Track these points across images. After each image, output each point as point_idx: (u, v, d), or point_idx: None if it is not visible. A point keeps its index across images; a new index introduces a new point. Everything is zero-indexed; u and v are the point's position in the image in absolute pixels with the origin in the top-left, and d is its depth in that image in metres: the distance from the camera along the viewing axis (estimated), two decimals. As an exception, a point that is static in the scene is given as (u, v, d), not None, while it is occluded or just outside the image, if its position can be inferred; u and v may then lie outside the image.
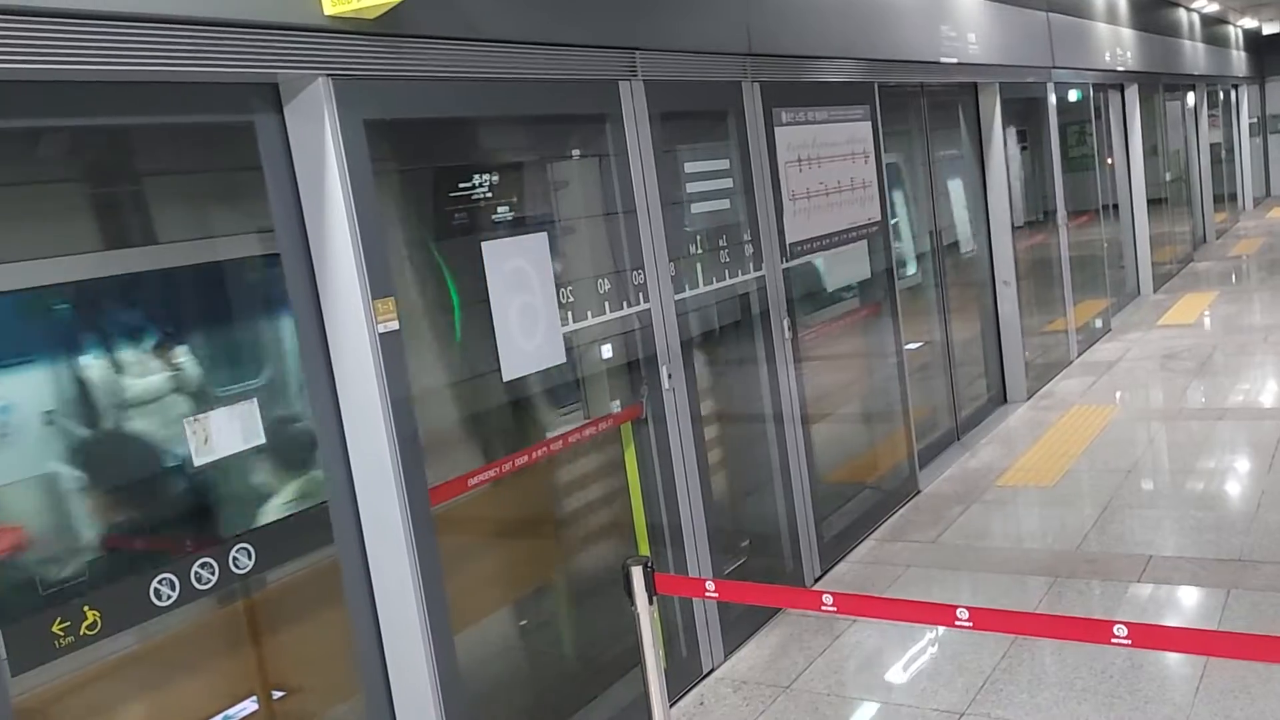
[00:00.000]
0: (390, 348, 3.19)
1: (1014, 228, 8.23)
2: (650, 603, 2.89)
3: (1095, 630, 2.21)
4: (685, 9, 4.58)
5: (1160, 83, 13.08)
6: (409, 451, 3.23)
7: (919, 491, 6.42)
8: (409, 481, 3.23)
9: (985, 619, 2.25)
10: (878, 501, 6.10)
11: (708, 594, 2.75)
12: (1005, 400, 8.28)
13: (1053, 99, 9.15)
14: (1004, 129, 8.13)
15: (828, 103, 5.67)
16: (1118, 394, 8.25)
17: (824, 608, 2.50)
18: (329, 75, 3.05)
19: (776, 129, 5.18)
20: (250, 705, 3.29)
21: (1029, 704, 3.85)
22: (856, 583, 5.20)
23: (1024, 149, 9.00)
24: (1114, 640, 2.14)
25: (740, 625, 4.71)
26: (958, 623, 2.26)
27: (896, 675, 4.27)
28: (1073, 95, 9.99)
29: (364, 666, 3.31)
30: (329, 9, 3.03)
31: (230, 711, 3.27)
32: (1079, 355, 9.49)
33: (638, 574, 2.88)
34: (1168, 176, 13.27)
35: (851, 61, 5.89)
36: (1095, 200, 10.77)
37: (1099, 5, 10.48)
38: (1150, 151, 12.54)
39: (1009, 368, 8.30)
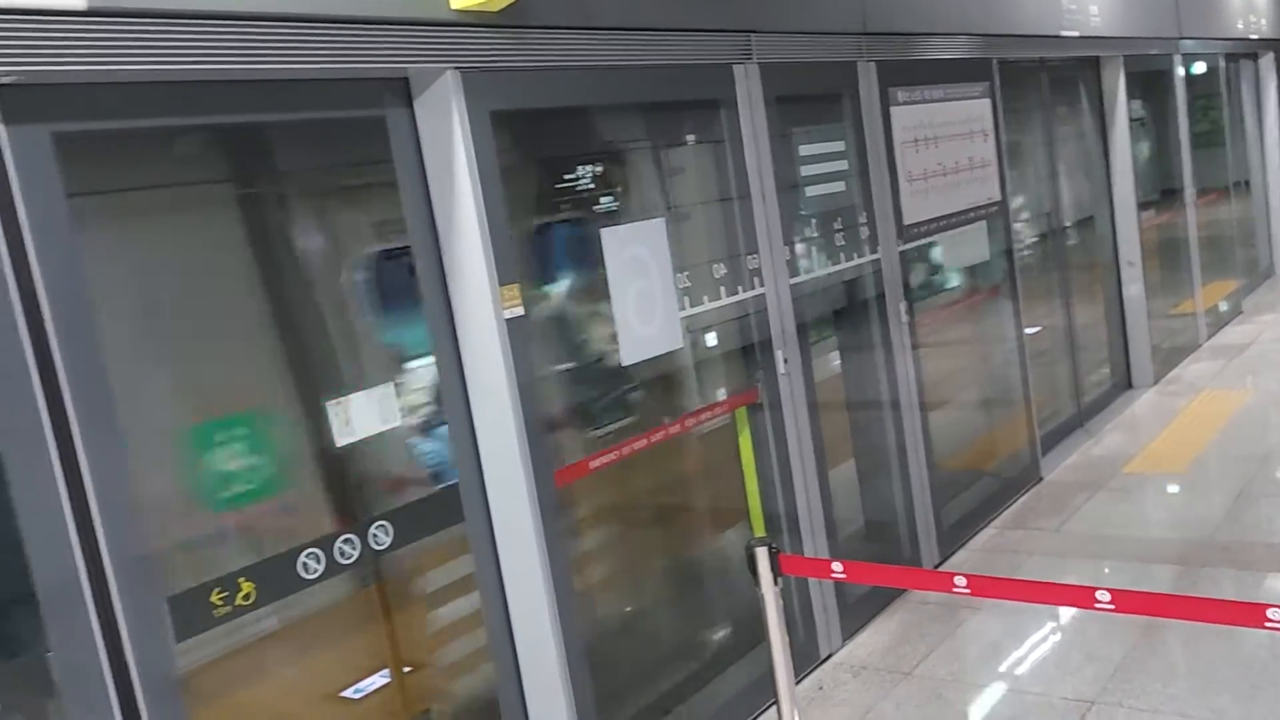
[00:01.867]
0: (516, 332, 3.27)
1: (1139, 206, 7.95)
2: (775, 583, 2.90)
3: (1247, 614, 2.13)
4: (800, -9, 4.55)
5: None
6: (535, 434, 3.31)
7: (1041, 479, 6.27)
8: (535, 463, 3.31)
9: (1128, 601, 2.20)
10: (998, 489, 5.98)
11: (834, 575, 2.74)
12: (1130, 385, 8.02)
13: (1180, 71, 8.79)
14: (1128, 104, 7.84)
15: (945, 80, 5.57)
16: (1250, 378, 7.91)
17: (955, 589, 2.48)
18: (456, 68, 3.13)
19: (892, 109, 5.11)
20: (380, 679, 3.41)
21: (1163, 694, 3.75)
22: (977, 570, 5.11)
23: (1149, 124, 8.67)
24: (1268, 624, 2.06)
25: (857, 611, 4.69)
26: (1098, 605, 2.22)
27: (1021, 663, 4.19)
28: (1201, 66, 9.59)
29: (493, 642, 3.40)
30: (455, 3, 3.11)
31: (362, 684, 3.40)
32: (1208, 338, 9.12)
33: (762, 555, 2.89)
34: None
35: (969, 37, 5.77)
36: (1226, 177, 10.32)
37: (1230, -29, 10.02)
38: None
39: (1134, 351, 8.03)
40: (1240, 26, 10.14)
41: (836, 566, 2.71)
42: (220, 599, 2.72)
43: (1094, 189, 7.86)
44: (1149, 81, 8.50)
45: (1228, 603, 2.24)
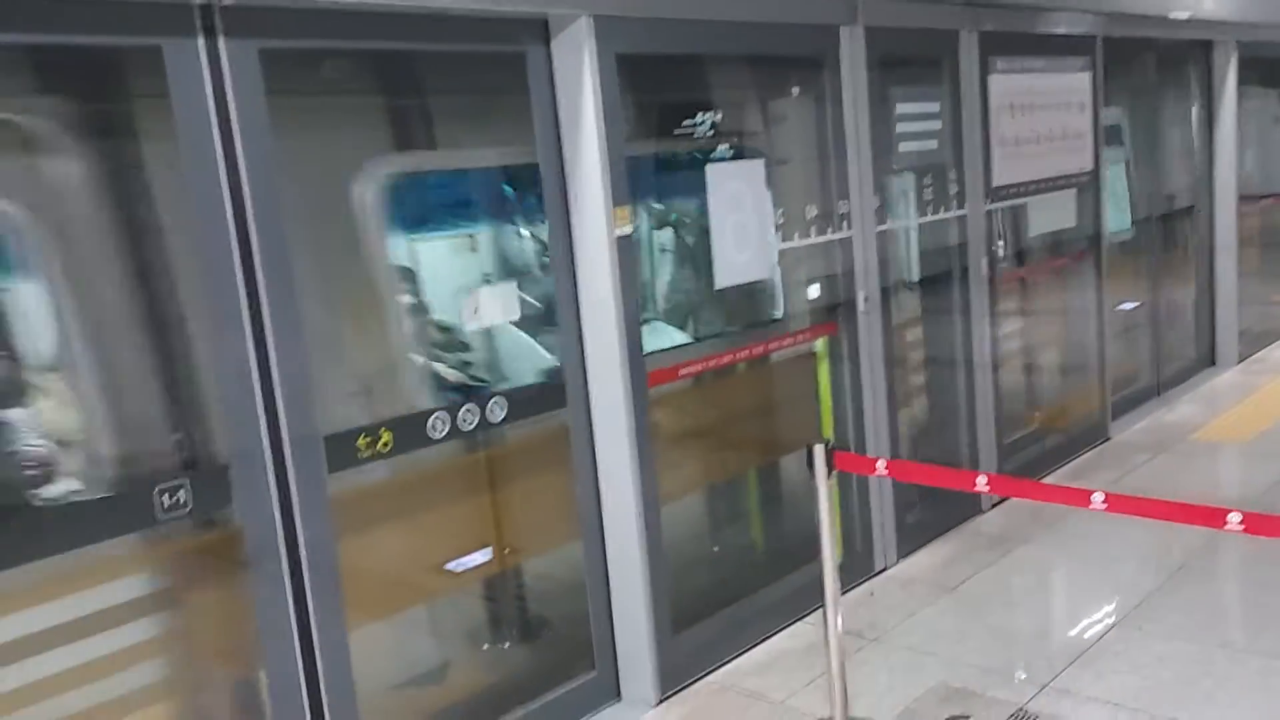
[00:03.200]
0: (624, 249, 3.77)
1: (1241, 194, 8.05)
2: (829, 477, 3.36)
3: None
4: (909, -41, 4.90)
5: None
6: (633, 337, 3.82)
7: (1108, 438, 6.57)
8: (632, 362, 3.82)
9: (1118, 503, 2.60)
10: (1064, 443, 6.30)
11: (878, 471, 3.19)
12: (1214, 363, 8.19)
13: (1299, 58, 8.78)
14: (1238, 90, 7.93)
15: (1046, 52, 5.84)
16: (1338, 366, 8.01)
17: (977, 488, 2.91)
18: (591, 14, 3.61)
19: (991, 75, 5.42)
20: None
21: (1181, 624, 4.12)
22: (1030, 510, 5.47)
23: (1261, 110, 8.69)
24: None
25: (913, 535, 5.12)
26: (1092, 505, 2.62)
27: (1057, 587, 4.61)
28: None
29: (584, 517, 3.94)
30: (595, -44, 3.58)
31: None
32: (1303, 326, 9.17)
33: (819, 451, 3.35)
34: None
35: (1075, 14, 6.00)
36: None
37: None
38: None
39: (1220, 331, 8.19)
40: (1373, 15, 9.97)
41: (881, 464, 3.15)
42: (365, 443, 3.30)
43: (1196, 172, 7.99)
44: (1266, 68, 8.52)
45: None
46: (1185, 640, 4.00)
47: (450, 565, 3.90)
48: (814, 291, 4.74)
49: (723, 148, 4.33)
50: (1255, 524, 2.46)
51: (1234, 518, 2.48)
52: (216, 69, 2.91)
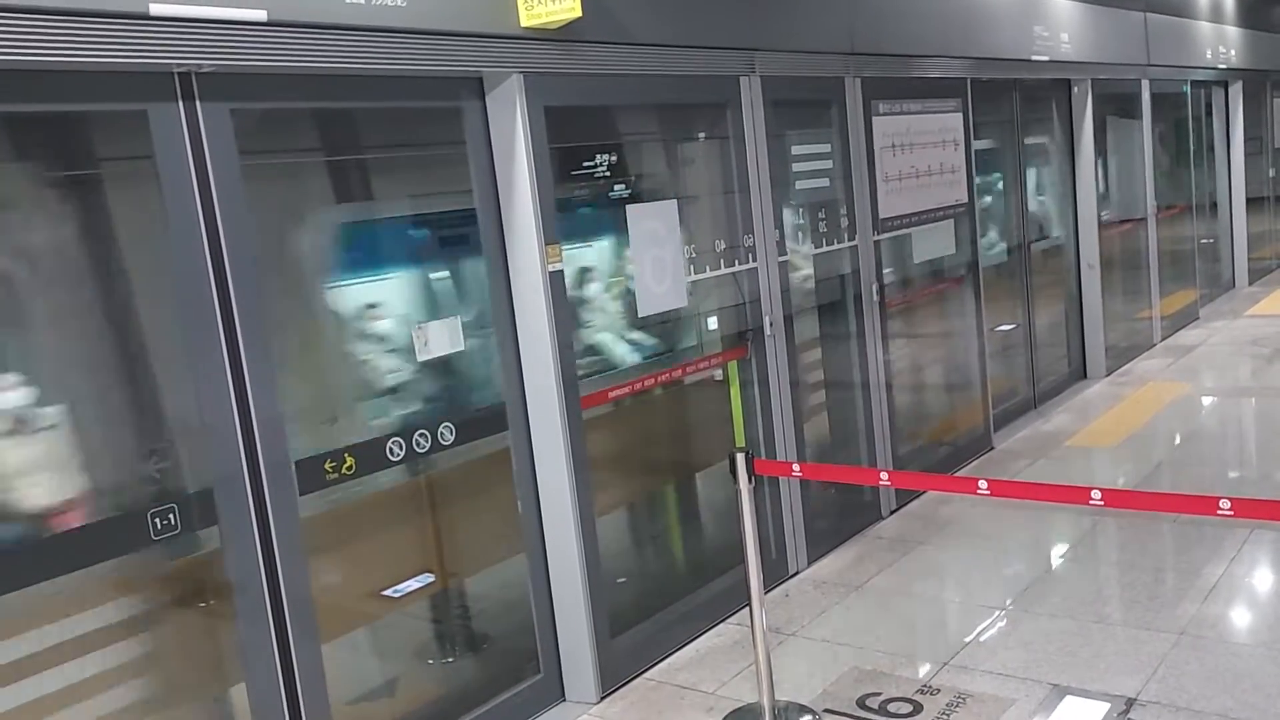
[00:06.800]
0: (556, 283, 4.14)
1: (1101, 218, 8.83)
2: (750, 482, 3.76)
3: (1201, 504, 2.88)
4: (797, 16, 5.41)
5: (1269, 80, 13.30)
6: (567, 364, 4.18)
7: (992, 448, 7.15)
8: (566, 387, 4.18)
9: (1001, 488, 3.05)
10: (953, 452, 6.86)
11: (794, 474, 3.60)
12: (1085, 376, 8.91)
13: (1146, 96, 9.66)
14: (1095, 124, 8.72)
15: (922, 95, 6.43)
16: (1193, 373, 8.80)
17: (881, 483, 3.35)
18: (521, 72, 3.99)
19: (874, 118, 5.97)
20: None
21: (1060, 605, 4.64)
22: (925, 516, 5.98)
23: (1116, 142, 9.53)
24: (1219, 512, 2.78)
25: (823, 540, 5.56)
26: (979, 491, 3.08)
27: (951, 580, 5.09)
28: (1171, 91, 10.45)
29: (526, 530, 4.27)
30: (524, 22, 3.96)
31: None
32: (1163, 339, 10.01)
33: (741, 459, 3.75)
34: (1271, 173, 13.49)
35: (946, 59, 6.62)
36: (1190, 196, 11.21)
37: (1201, 4, 10.88)
38: (1255, 150, 12.82)
39: (1090, 346, 8.93)
40: (1209, 56, 11.02)
41: (795, 467, 3.57)
42: (330, 467, 3.59)
43: (1060, 198, 8.75)
44: (1119, 104, 9.38)
45: (1186, 496, 2.96)
46: (1066, 618, 4.52)
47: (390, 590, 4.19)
48: (725, 318, 5.17)
49: (640, 188, 4.74)
50: (1111, 498, 2.94)
51: (1095, 494, 2.95)
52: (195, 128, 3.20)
